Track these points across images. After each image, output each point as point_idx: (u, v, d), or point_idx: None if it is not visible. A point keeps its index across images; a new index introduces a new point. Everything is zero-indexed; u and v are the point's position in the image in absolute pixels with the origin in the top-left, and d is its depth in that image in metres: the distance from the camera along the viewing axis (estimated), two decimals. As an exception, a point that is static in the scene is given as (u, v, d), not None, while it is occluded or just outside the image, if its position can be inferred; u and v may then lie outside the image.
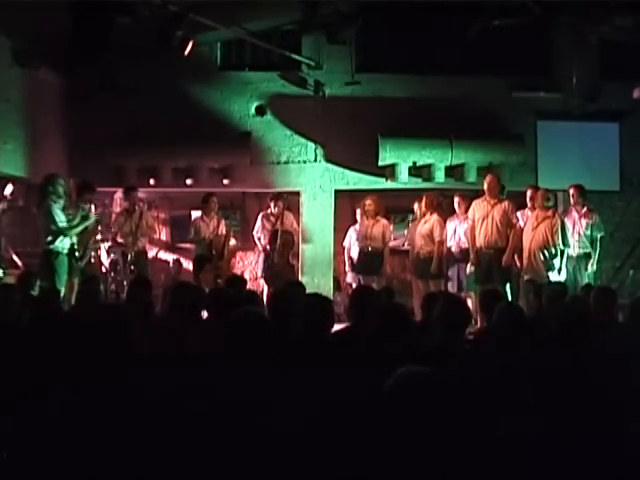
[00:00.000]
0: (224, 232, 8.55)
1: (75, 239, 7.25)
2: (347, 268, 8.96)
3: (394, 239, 9.01)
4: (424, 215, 8.24)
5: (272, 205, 8.54)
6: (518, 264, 7.66)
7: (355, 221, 8.90)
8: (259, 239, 8.67)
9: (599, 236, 7.87)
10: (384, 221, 8.51)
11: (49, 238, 6.94)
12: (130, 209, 8.46)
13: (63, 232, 7.00)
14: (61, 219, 7.00)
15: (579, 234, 7.79)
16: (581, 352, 3.48)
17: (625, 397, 2.87)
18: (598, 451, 2.51)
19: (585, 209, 7.89)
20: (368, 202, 8.43)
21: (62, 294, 6.58)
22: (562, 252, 7.47)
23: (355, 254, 8.74)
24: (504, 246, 7.61)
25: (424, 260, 8.12)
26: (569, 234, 7.69)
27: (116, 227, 8.51)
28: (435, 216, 8.15)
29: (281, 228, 8.45)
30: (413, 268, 8.44)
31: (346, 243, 8.95)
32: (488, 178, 7.90)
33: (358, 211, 8.76)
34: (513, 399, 2.89)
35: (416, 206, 8.50)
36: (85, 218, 7.27)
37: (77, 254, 7.20)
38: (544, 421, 2.65)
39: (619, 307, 6.49)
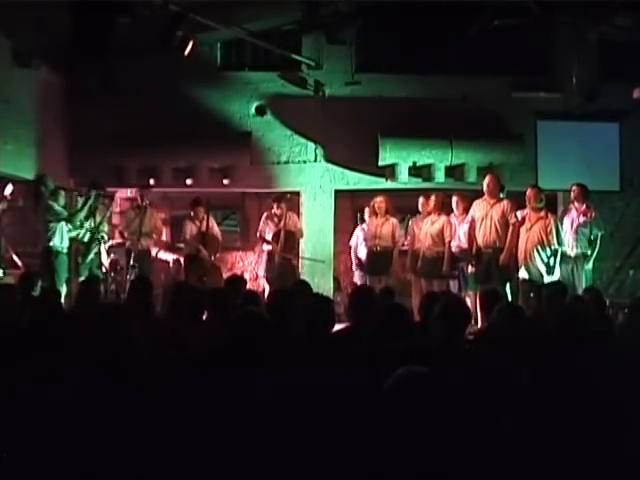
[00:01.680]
0: (203, 231, 8.58)
1: (74, 233, 7.35)
2: (354, 267, 8.97)
3: (397, 238, 9.00)
4: (429, 214, 8.23)
5: (275, 206, 8.56)
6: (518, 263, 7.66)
7: (363, 220, 8.91)
8: (263, 239, 8.68)
9: (599, 234, 7.83)
10: (393, 220, 8.49)
11: (50, 226, 7.04)
12: (142, 206, 8.50)
13: (67, 219, 7.15)
14: (60, 210, 7.17)
15: (576, 233, 7.76)
16: (581, 352, 3.48)
17: (626, 397, 2.87)
18: (598, 451, 2.51)
19: (584, 207, 7.86)
20: (379, 200, 8.44)
21: (63, 294, 6.60)
22: (556, 251, 7.47)
23: (362, 253, 8.74)
24: (503, 246, 7.61)
25: (432, 260, 8.08)
26: (567, 233, 7.69)
27: (124, 222, 8.55)
28: (444, 217, 8.14)
29: (284, 228, 8.47)
30: (418, 267, 8.22)
31: (352, 242, 8.98)
32: (487, 178, 7.91)
33: (367, 210, 8.75)
34: (513, 399, 2.90)
35: (421, 200, 8.39)
36: (85, 203, 7.56)
37: (80, 250, 7.27)
38: (544, 421, 2.65)
39: (619, 307, 6.51)
